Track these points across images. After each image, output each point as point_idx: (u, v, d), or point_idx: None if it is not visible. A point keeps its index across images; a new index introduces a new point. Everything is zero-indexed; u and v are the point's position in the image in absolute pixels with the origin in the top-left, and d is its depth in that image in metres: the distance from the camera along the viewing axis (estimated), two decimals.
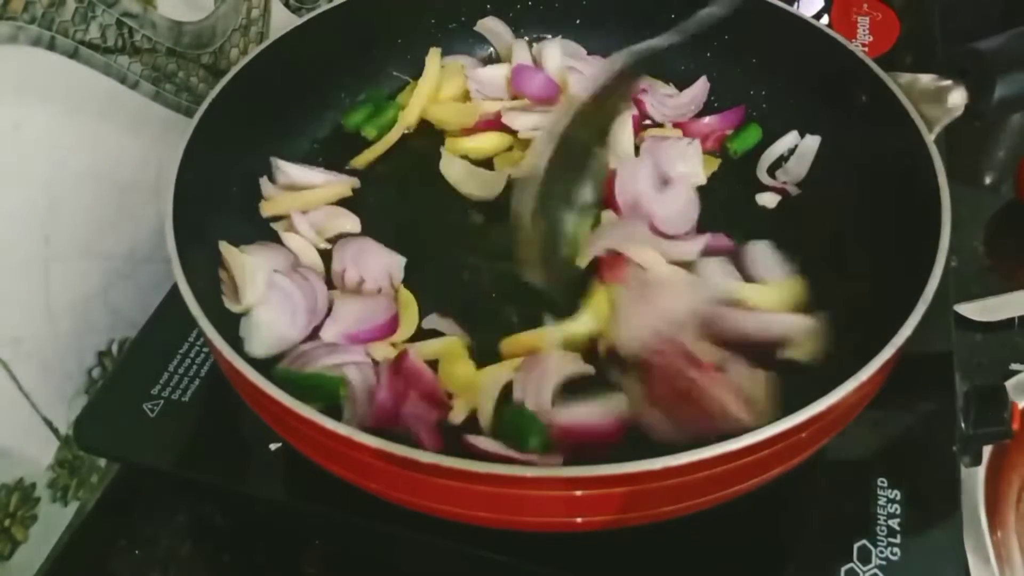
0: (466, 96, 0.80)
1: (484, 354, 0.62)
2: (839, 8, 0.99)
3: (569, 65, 0.80)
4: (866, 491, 0.57)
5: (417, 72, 0.81)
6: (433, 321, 0.63)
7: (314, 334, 0.62)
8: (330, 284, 0.66)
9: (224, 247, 0.63)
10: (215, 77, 0.79)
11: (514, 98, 0.78)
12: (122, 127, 0.70)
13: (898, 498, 0.57)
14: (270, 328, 0.61)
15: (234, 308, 0.62)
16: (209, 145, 0.65)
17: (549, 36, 0.85)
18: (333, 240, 0.69)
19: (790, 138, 0.76)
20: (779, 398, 0.55)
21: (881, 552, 0.54)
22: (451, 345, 0.61)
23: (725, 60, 0.81)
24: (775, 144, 0.76)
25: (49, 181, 0.64)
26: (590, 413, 0.55)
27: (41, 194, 0.64)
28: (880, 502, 0.57)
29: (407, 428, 0.55)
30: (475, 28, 0.84)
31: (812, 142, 0.75)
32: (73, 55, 0.63)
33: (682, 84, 0.82)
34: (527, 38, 0.86)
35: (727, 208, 0.71)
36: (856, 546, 0.54)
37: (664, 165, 0.70)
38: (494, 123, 0.76)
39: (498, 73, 0.79)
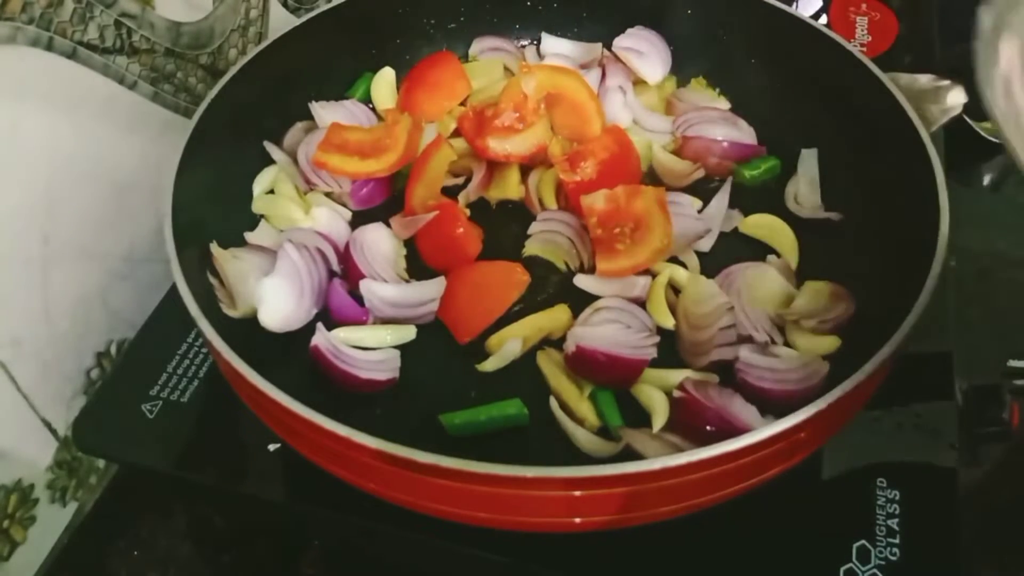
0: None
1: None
2: (837, 8, 0.99)
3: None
4: (866, 491, 0.57)
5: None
6: None
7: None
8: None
9: (216, 251, 0.63)
10: (214, 77, 0.79)
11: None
12: (121, 127, 0.70)
13: (897, 498, 0.57)
14: (279, 301, 0.62)
15: (232, 314, 0.61)
16: (208, 145, 0.65)
17: (546, 35, 0.85)
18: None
19: (807, 165, 0.73)
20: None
21: (880, 552, 0.54)
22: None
23: (723, 60, 0.81)
24: (796, 177, 0.73)
25: (47, 181, 0.64)
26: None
27: (39, 194, 0.64)
28: (879, 502, 0.57)
29: None
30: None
31: (811, 161, 0.73)
32: (71, 55, 0.63)
33: (680, 83, 0.83)
34: (525, 42, 0.86)
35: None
36: (855, 546, 0.54)
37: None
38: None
39: None
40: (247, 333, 0.60)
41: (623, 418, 0.58)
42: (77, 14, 0.62)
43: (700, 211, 0.70)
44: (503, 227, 0.71)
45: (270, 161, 0.74)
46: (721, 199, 0.70)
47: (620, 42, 0.81)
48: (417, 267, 0.69)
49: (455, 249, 0.67)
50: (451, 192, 0.73)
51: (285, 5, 0.88)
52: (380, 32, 0.82)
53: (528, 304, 0.65)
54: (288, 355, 0.62)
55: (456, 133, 0.77)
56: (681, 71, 0.82)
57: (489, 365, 0.62)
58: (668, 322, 0.63)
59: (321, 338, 0.60)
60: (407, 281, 0.67)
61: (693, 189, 0.73)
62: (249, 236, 0.69)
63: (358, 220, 0.71)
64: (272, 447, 0.60)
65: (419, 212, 0.69)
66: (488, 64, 0.83)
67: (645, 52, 0.81)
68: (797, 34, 0.74)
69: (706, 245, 0.68)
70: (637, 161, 0.72)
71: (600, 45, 0.83)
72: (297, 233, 0.67)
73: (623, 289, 0.65)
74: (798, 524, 0.56)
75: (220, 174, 0.68)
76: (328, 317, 0.64)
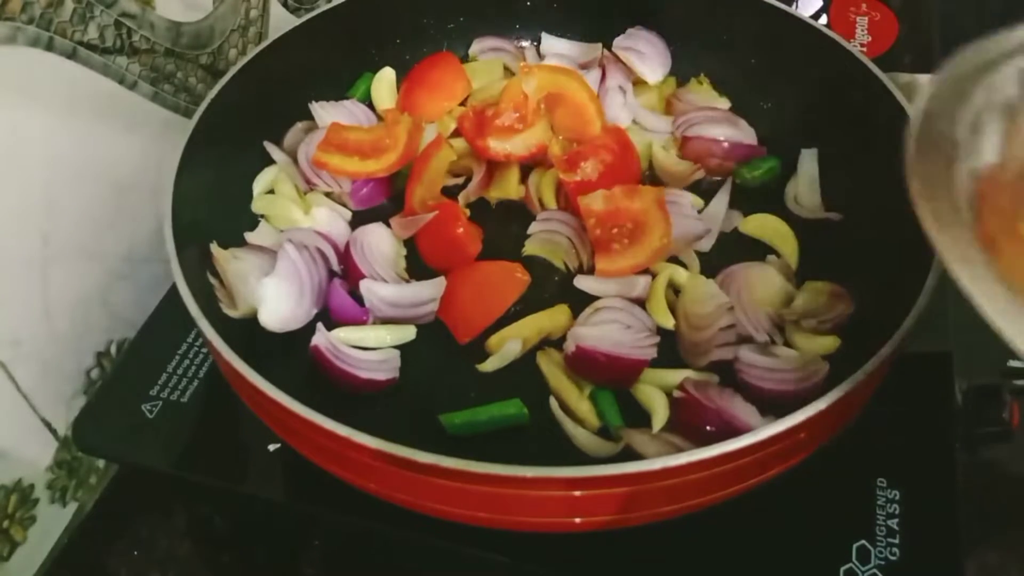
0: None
1: None
2: (837, 8, 0.99)
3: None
4: (866, 491, 0.57)
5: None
6: None
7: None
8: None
9: (216, 251, 0.63)
10: (214, 77, 0.79)
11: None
12: (120, 127, 0.70)
13: (897, 498, 0.57)
14: (279, 301, 0.62)
15: (232, 314, 0.62)
16: (208, 145, 0.65)
17: (546, 35, 0.85)
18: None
19: (807, 165, 0.73)
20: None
21: (880, 552, 0.54)
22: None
23: (722, 60, 0.81)
24: (796, 177, 0.73)
25: (47, 182, 0.64)
26: None
27: (39, 194, 0.64)
28: (879, 502, 0.57)
29: None
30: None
31: (811, 161, 0.73)
32: (71, 56, 0.63)
33: (680, 83, 0.82)
34: (525, 42, 0.86)
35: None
36: (855, 546, 0.54)
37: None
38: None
39: None
40: (247, 333, 0.61)
41: (623, 418, 0.58)
42: (77, 14, 0.62)
43: (700, 211, 0.70)
44: (503, 227, 0.71)
45: (270, 161, 0.74)
46: (721, 199, 0.70)
47: (620, 42, 0.81)
48: (417, 267, 0.69)
49: (455, 249, 0.67)
50: (451, 192, 0.73)
51: (285, 5, 0.88)
52: (380, 32, 0.82)
53: (528, 304, 0.65)
54: (288, 355, 0.62)
55: (456, 133, 0.77)
56: (681, 71, 0.82)
57: (489, 365, 0.62)
58: (668, 322, 0.63)
59: (321, 338, 0.60)
60: (407, 281, 0.67)
61: (693, 189, 0.73)
62: (249, 236, 0.69)
63: (358, 220, 0.71)
64: (272, 447, 0.60)
65: (419, 212, 0.69)
66: (488, 64, 0.83)
67: (645, 52, 0.80)
68: (797, 34, 0.74)
69: (706, 245, 0.68)
70: (637, 161, 0.72)
71: (600, 45, 0.83)
72: (297, 233, 0.67)
73: (623, 289, 0.65)
74: (798, 524, 0.56)
75: (220, 174, 0.68)
76: (328, 317, 0.64)
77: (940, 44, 0.97)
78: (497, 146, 0.71)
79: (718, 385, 0.58)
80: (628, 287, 0.65)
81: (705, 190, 0.72)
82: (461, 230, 0.67)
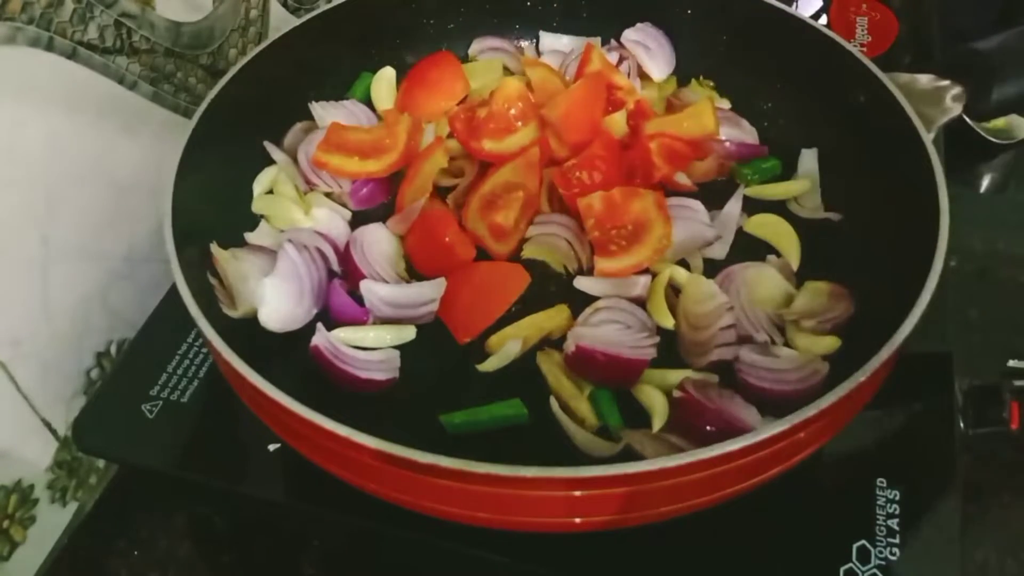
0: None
1: None
2: (837, 8, 0.99)
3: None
4: (865, 491, 0.57)
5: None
6: None
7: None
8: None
9: (216, 251, 0.63)
10: (214, 78, 0.79)
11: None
12: (120, 127, 0.70)
13: (897, 498, 0.57)
14: (279, 301, 0.62)
15: (232, 314, 0.62)
16: (208, 145, 0.65)
17: (544, 33, 0.85)
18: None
19: (807, 165, 0.73)
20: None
21: (880, 552, 0.54)
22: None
23: (722, 60, 0.81)
24: (796, 177, 0.73)
25: (47, 182, 0.64)
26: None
27: (39, 195, 0.64)
28: (879, 502, 0.57)
29: None
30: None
31: (811, 161, 0.73)
32: (71, 56, 0.63)
33: (680, 84, 0.82)
34: (523, 41, 0.86)
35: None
36: (855, 546, 0.54)
37: None
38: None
39: None
40: (247, 333, 0.61)
41: (623, 418, 0.58)
42: (77, 14, 0.62)
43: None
44: None
45: (270, 161, 0.74)
46: (733, 206, 0.69)
47: (629, 35, 0.81)
48: None
49: (446, 256, 0.67)
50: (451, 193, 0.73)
51: (285, 5, 0.88)
52: (380, 32, 0.82)
53: (528, 304, 0.65)
54: (288, 355, 0.62)
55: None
56: (681, 71, 0.82)
57: (489, 365, 0.62)
58: (668, 322, 0.63)
59: (321, 338, 0.60)
60: (407, 281, 0.67)
61: (703, 195, 0.72)
62: (249, 236, 0.69)
63: (358, 220, 0.71)
64: (272, 447, 0.60)
65: None
66: (488, 64, 0.83)
67: (652, 48, 0.81)
68: (797, 34, 0.74)
69: (720, 252, 0.68)
70: (629, 167, 0.72)
71: (599, 39, 0.83)
72: (297, 233, 0.67)
73: (623, 289, 0.65)
74: (798, 524, 0.56)
75: (220, 174, 0.68)
76: (328, 317, 0.64)
77: (940, 44, 0.97)
78: (492, 147, 0.71)
79: (718, 385, 0.58)
80: (628, 287, 0.65)
81: (711, 192, 0.72)
82: (449, 238, 0.67)
